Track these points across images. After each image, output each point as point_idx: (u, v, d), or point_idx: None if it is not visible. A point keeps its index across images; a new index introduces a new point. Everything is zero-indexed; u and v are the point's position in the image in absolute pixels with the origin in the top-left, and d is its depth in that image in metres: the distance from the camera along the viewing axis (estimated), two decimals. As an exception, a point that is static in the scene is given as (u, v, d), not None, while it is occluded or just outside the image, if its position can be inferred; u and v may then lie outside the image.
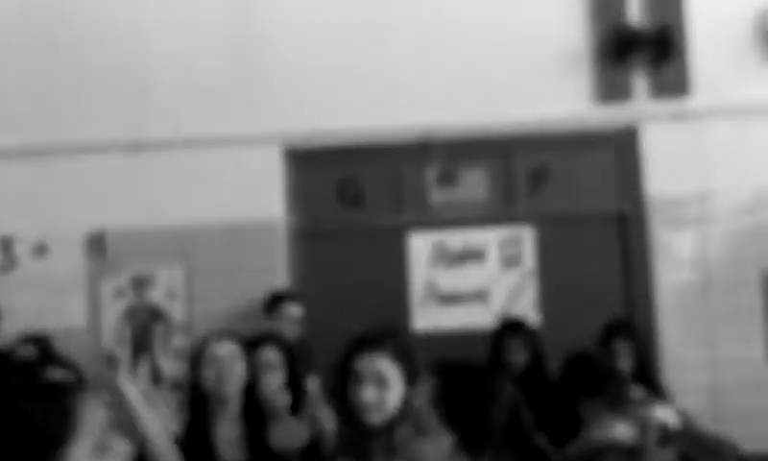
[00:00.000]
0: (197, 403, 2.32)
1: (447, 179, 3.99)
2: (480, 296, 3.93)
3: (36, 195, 4.00)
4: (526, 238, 3.96)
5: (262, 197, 3.96)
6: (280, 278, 3.91)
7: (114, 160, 4.02)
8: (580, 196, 3.98)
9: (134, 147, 4.00)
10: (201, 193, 3.96)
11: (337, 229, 4.02)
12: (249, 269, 3.92)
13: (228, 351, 2.34)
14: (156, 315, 3.99)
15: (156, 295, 3.99)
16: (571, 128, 3.95)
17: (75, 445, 1.05)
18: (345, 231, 4.00)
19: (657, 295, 3.86)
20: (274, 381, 2.66)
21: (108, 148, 4.00)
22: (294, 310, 3.60)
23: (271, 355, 2.70)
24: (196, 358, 2.36)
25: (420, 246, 3.97)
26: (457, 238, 3.99)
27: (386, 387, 1.65)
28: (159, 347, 3.96)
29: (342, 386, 1.72)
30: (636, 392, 2.30)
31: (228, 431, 2.30)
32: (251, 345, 2.66)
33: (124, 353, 3.91)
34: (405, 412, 1.60)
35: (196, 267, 3.98)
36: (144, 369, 3.94)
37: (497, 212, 4.01)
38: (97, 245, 4.02)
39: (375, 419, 1.64)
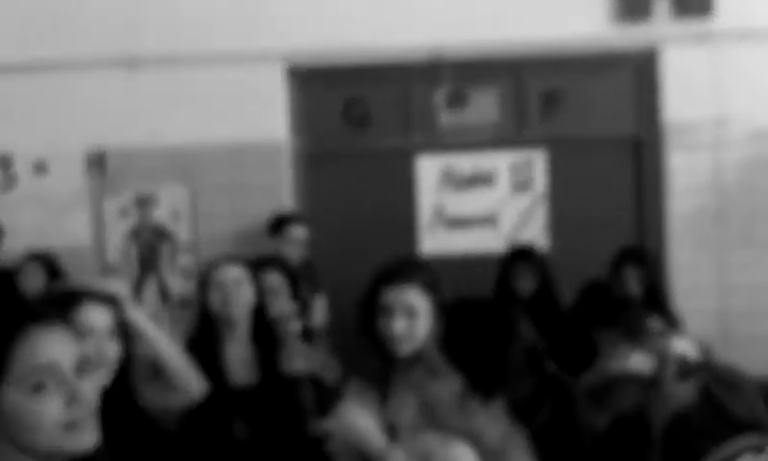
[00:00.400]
0: (205, 325, 2.31)
1: (457, 100, 3.87)
2: (489, 220, 3.88)
3: (36, 112, 3.89)
4: (537, 162, 3.88)
5: (266, 116, 3.85)
6: (285, 198, 3.85)
7: (114, 77, 3.88)
8: (594, 120, 3.87)
9: (134, 63, 3.85)
10: (203, 112, 3.85)
11: (343, 150, 3.92)
12: (253, 189, 3.85)
13: (234, 275, 2.30)
14: (161, 235, 3.95)
15: (160, 214, 3.94)
16: (588, 48, 3.80)
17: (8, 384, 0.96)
18: (351, 153, 3.92)
19: (669, 221, 3.81)
20: (278, 306, 2.66)
21: (108, 64, 3.85)
22: (299, 232, 3.56)
23: (274, 280, 2.68)
24: (203, 282, 2.33)
25: (429, 169, 3.89)
26: (466, 162, 3.90)
27: (416, 318, 1.62)
28: (166, 266, 3.94)
29: (368, 318, 1.69)
30: (654, 323, 2.27)
31: (238, 353, 2.29)
32: (255, 267, 2.66)
33: (130, 273, 3.93)
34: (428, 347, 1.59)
35: (200, 187, 3.91)
36: (151, 288, 3.94)
37: (508, 135, 3.91)
38: (97, 163, 3.94)
39: (406, 349, 1.62)
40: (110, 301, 1.77)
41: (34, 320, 1.02)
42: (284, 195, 3.86)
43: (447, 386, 1.14)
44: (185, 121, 3.85)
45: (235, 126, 3.83)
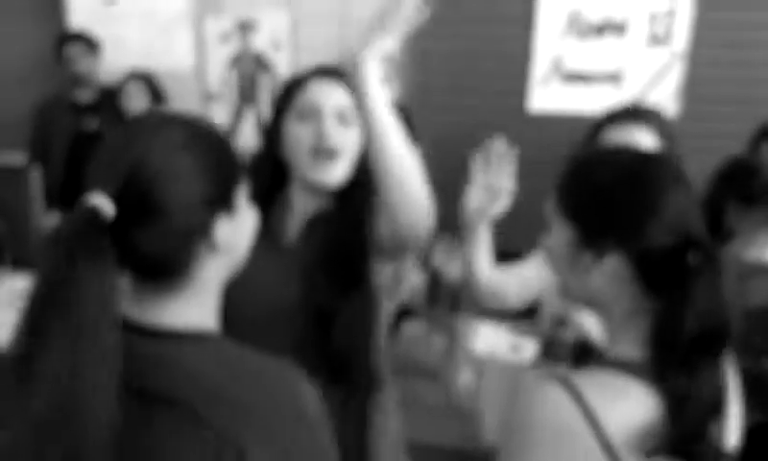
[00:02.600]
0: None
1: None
2: (614, 77, 3.43)
3: None
4: (682, 13, 3.31)
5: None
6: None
7: None
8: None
9: None
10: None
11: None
12: (361, 20, 3.57)
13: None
14: (261, 65, 3.82)
15: (260, 42, 3.78)
16: None
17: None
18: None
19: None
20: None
21: None
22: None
23: None
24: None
25: (552, 11, 3.43)
26: (598, 5, 3.40)
27: None
28: (265, 98, 3.84)
29: None
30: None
31: None
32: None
33: (231, 99, 3.87)
34: None
35: (302, 14, 3.68)
36: (250, 120, 3.88)
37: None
38: (200, -18, 3.78)
39: None
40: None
41: (315, 74, 1.33)
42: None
43: (554, 236, 1.03)
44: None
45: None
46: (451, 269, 2.29)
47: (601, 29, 3.40)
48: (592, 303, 1.00)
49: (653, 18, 3.33)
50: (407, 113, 3.22)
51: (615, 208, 0.93)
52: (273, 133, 1.34)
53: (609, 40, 3.41)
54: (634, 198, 0.92)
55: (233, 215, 0.90)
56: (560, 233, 0.99)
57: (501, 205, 1.47)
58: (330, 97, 1.30)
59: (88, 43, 3.62)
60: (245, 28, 3.79)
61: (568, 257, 0.98)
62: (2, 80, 4.01)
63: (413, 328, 2.54)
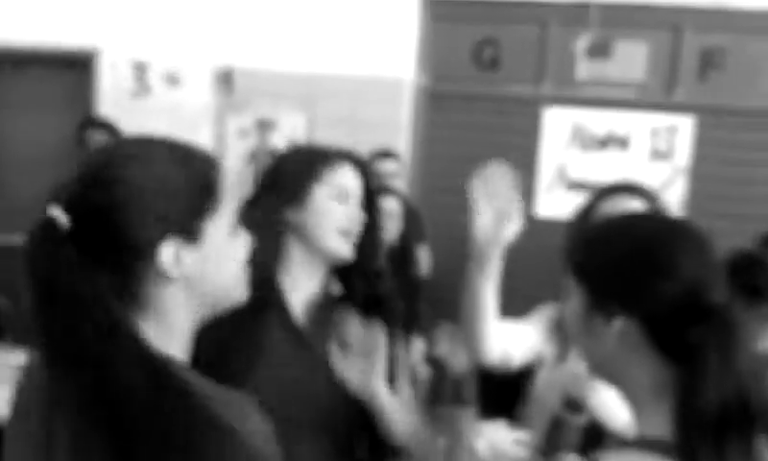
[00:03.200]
0: None
1: (600, 50, 3.51)
2: (617, 187, 3.54)
3: (172, 24, 3.97)
4: (683, 130, 3.46)
5: (394, 49, 3.69)
6: (403, 136, 3.71)
7: (248, -5, 3.87)
8: (757, 88, 3.37)
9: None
10: (332, 40, 3.76)
11: (467, 93, 3.70)
12: (372, 124, 3.74)
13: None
14: (276, 160, 3.96)
15: (278, 140, 3.94)
16: (756, 5, 3.29)
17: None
18: (475, 97, 3.68)
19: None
20: (393, 230, 2.66)
21: (242, -20, 3.85)
22: (390, 166, 3.39)
23: (393, 204, 2.70)
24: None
25: (557, 123, 3.59)
26: (601, 120, 3.56)
27: None
28: (277, 192, 3.95)
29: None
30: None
31: None
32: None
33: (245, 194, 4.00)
34: None
35: (319, 116, 3.86)
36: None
37: (654, 96, 3.51)
38: (225, 80, 3.98)
39: None
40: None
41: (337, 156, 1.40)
42: (402, 132, 3.72)
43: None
44: (313, 48, 3.79)
45: (362, 56, 3.72)
46: (456, 360, 2.29)
47: (604, 142, 3.54)
48: (611, 372, 0.97)
49: (654, 134, 3.47)
50: (416, 216, 3.32)
51: (618, 268, 0.92)
52: (296, 193, 1.36)
53: (612, 153, 3.54)
54: (638, 258, 0.91)
55: (197, 244, 0.84)
56: (574, 298, 0.98)
57: (513, 228, 1.37)
58: (358, 185, 1.41)
59: (111, 131, 3.78)
60: (263, 126, 3.96)
61: (582, 322, 0.97)
62: (29, 165, 4.17)
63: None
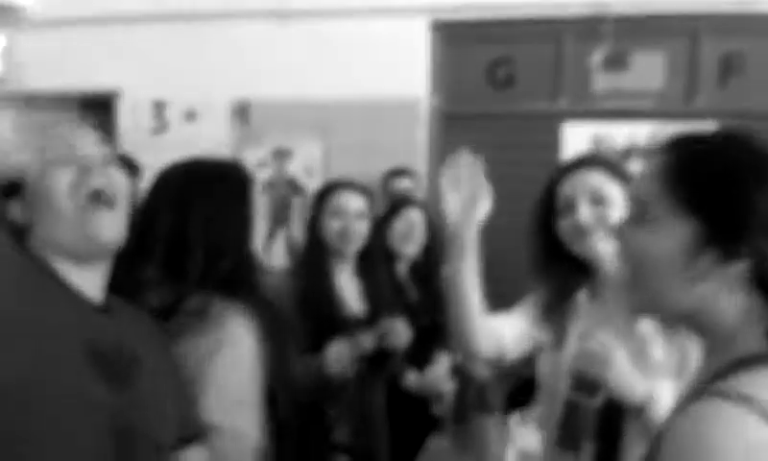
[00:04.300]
0: (317, 253, 2.20)
1: (616, 62, 3.47)
2: (641, 199, 3.44)
3: (189, 61, 4.04)
4: (706, 137, 3.37)
5: (406, 73, 3.70)
6: (420, 159, 3.68)
7: (265, 28, 3.93)
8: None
9: (281, 15, 3.88)
10: (344, 67, 3.78)
11: (483, 112, 3.67)
12: (387, 149, 3.72)
13: (356, 205, 2.19)
14: (294, 188, 3.95)
15: (294, 169, 3.94)
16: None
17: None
18: (491, 116, 3.65)
19: None
20: (416, 243, 2.67)
21: (256, 15, 3.91)
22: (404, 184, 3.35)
23: (416, 216, 2.66)
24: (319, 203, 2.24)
25: (576, 138, 3.53)
26: (621, 132, 3.49)
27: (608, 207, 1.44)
28: (296, 220, 3.93)
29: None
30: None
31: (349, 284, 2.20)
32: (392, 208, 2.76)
33: (263, 221, 3.98)
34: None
35: (335, 143, 3.86)
36: (280, 241, 3.96)
37: (674, 106, 3.44)
38: (241, 114, 4.02)
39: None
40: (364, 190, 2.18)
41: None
42: (419, 155, 3.69)
43: (665, 236, 0.87)
44: (327, 75, 3.81)
45: (375, 81, 3.72)
46: (478, 366, 2.18)
47: (627, 153, 3.46)
48: (690, 318, 0.86)
49: (677, 141, 3.40)
50: (437, 231, 3.24)
51: (754, 204, 0.78)
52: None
53: (634, 165, 3.46)
54: None
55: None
56: (670, 233, 0.83)
57: (484, 206, 1.40)
58: None
59: (130, 166, 3.81)
60: (280, 156, 3.96)
61: (679, 261, 0.82)
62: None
63: (439, 443, 2.40)
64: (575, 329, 1.44)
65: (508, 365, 1.53)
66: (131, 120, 4.15)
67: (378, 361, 2.09)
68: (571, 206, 1.45)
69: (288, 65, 3.88)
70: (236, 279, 1.29)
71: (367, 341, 2.02)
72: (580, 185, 1.45)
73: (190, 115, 4.10)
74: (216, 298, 1.26)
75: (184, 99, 4.07)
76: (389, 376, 2.26)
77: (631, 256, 0.90)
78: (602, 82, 3.50)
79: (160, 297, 1.26)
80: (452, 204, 1.42)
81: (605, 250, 1.41)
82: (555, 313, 1.48)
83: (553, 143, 3.54)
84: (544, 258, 1.53)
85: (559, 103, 3.57)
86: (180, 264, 1.28)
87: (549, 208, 1.52)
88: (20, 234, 1.06)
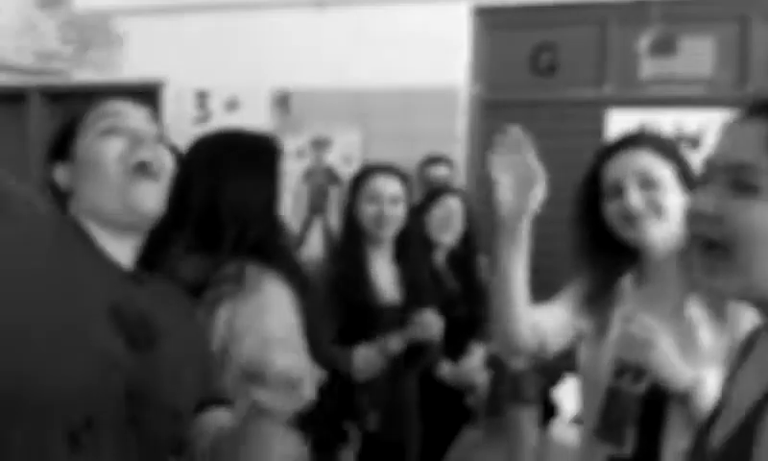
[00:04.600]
0: (353, 237, 2.19)
1: (665, 47, 3.35)
2: (689, 189, 3.32)
3: (231, 51, 4.07)
4: (759, 124, 3.23)
5: (446, 61, 3.64)
6: (459, 148, 3.63)
7: (304, 17, 3.93)
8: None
9: (321, 3, 3.87)
10: (384, 55, 3.75)
11: (525, 100, 3.60)
12: (426, 137, 3.67)
13: (392, 190, 2.17)
14: (332, 178, 3.95)
15: (332, 158, 3.93)
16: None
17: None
18: (534, 104, 3.57)
19: None
20: (454, 232, 2.62)
21: (296, 4, 3.92)
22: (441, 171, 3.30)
23: (455, 204, 2.63)
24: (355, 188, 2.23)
25: (622, 126, 3.41)
26: (669, 120, 3.37)
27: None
28: (333, 209, 3.93)
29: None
30: None
31: (385, 270, 2.18)
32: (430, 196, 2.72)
33: (300, 213, 3.99)
34: None
35: (373, 132, 3.83)
36: (317, 230, 3.96)
37: (725, 92, 3.31)
38: (282, 103, 4.03)
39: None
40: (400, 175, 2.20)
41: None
42: (459, 144, 3.64)
43: None
44: (366, 63, 3.79)
45: (414, 70, 3.68)
46: (514, 357, 2.14)
47: (675, 142, 3.34)
48: None
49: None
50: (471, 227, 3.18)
51: None
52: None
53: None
54: None
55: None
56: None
57: (538, 193, 1.30)
58: None
59: (174, 154, 3.86)
60: (319, 145, 3.96)
61: None
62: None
63: (472, 435, 2.36)
64: (619, 316, 1.38)
65: (548, 358, 1.47)
66: (175, 110, 4.21)
67: (411, 354, 2.07)
68: (619, 191, 1.38)
69: (327, 54, 3.87)
70: (268, 245, 1.31)
71: (395, 343, 1.99)
72: (628, 167, 1.38)
73: (232, 105, 4.14)
74: (250, 265, 1.27)
75: (226, 89, 4.11)
76: (423, 368, 2.23)
77: (736, 233, 0.77)
78: (649, 68, 3.39)
79: (193, 267, 1.27)
80: (504, 188, 1.31)
81: (656, 235, 1.34)
82: (598, 300, 1.42)
83: (598, 132, 3.45)
84: (589, 243, 1.46)
85: (604, 90, 3.47)
86: (212, 233, 1.30)
87: (594, 192, 1.45)
88: (62, 199, 1.10)
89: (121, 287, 1.04)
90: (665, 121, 3.36)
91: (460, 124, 3.64)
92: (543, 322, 1.41)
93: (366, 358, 1.95)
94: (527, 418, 2.13)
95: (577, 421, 2.12)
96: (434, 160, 3.30)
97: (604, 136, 3.44)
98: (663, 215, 1.34)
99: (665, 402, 1.25)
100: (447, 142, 3.62)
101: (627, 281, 1.43)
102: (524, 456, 2.01)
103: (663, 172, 1.36)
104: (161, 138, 1.17)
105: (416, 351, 2.07)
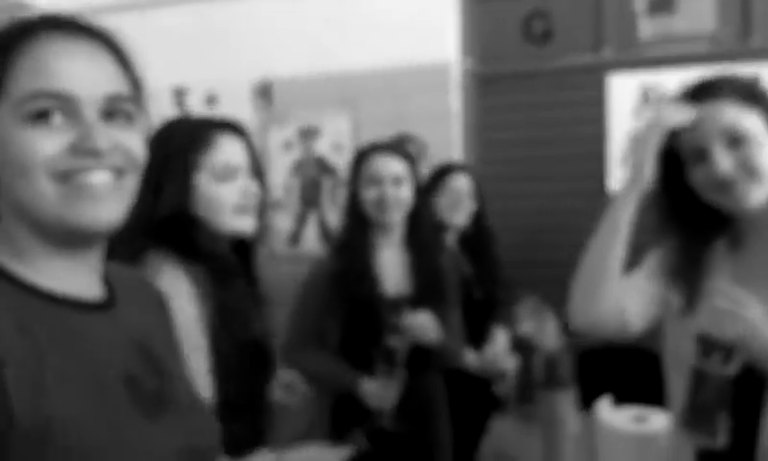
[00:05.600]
0: (357, 225, 2.03)
1: (663, 5, 3.22)
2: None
3: (207, 44, 3.87)
4: (767, 77, 3.10)
5: (435, 35, 3.47)
6: (454, 128, 3.46)
7: (277, 3, 3.74)
8: None
9: (300, -15, 3.68)
10: (368, 35, 3.57)
11: (521, 71, 3.43)
12: (419, 118, 3.51)
13: (393, 170, 2.01)
14: (323, 168, 3.76)
15: (322, 147, 3.74)
16: None
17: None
18: (530, 74, 3.42)
19: None
20: (465, 211, 2.53)
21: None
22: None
23: (463, 182, 2.48)
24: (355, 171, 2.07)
25: (624, 89, 3.28)
26: (672, 80, 3.23)
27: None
28: (328, 201, 3.74)
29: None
30: None
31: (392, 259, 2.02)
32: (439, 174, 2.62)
33: (293, 208, 3.81)
34: None
35: (363, 117, 3.65)
36: (313, 224, 3.78)
37: (728, 47, 3.18)
38: (263, 94, 3.84)
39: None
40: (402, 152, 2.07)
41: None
42: (453, 124, 3.47)
43: None
44: (350, 46, 3.60)
45: (402, 47, 3.50)
46: (545, 336, 1.98)
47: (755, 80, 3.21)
48: None
49: (736, 84, 3.13)
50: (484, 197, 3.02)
51: None
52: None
53: (688, 114, 3.20)
54: None
55: None
56: None
57: (679, 116, 1.25)
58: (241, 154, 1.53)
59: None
60: (307, 135, 3.77)
61: None
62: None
63: (503, 425, 2.20)
64: (710, 288, 1.20)
65: (632, 339, 1.29)
66: (152, 110, 3.99)
67: (419, 355, 1.91)
68: (703, 154, 1.22)
69: (309, 38, 3.68)
70: (176, 233, 1.31)
71: (401, 373, 1.84)
72: (710, 125, 1.22)
73: (211, 100, 3.93)
74: (153, 251, 1.27)
75: (204, 83, 3.90)
76: (439, 366, 2.07)
77: None
78: (648, 27, 3.25)
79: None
80: (649, 151, 1.26)
81: (753, 200, 1.18)
82: (686, 271, 1.26)
83: (598, 98, 3.30)
84: (672, 210, 1.30)
85: (602, 54, 3.32)
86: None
87: (673, 155, 1.29)
88: None
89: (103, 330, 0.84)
90: (669, 82, 3.22)
91: (454, 101, 3.47)
92: (627, 298, 1.24)
93: (375, 394, 1.80)
94: (564, 401, 1.97)
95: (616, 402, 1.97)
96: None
97: (605, 103, 3.30)
98: (758, 175, 1.18)
99: (762, 385, 1.09)
100: (442, 121, 3.45)
101: (720, 247, 1.27)
102: (564, 443, 1.85)
103: (751, 121, 1.20)
104: None
105: (423, 352, 1.91)
